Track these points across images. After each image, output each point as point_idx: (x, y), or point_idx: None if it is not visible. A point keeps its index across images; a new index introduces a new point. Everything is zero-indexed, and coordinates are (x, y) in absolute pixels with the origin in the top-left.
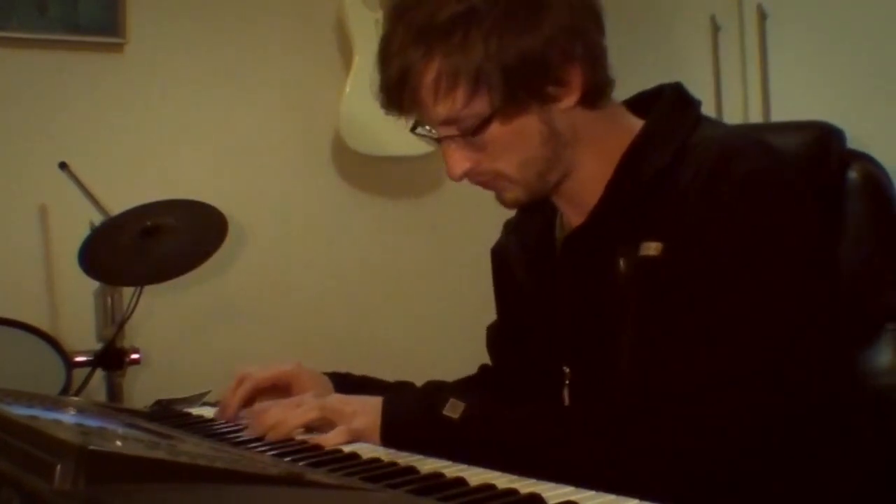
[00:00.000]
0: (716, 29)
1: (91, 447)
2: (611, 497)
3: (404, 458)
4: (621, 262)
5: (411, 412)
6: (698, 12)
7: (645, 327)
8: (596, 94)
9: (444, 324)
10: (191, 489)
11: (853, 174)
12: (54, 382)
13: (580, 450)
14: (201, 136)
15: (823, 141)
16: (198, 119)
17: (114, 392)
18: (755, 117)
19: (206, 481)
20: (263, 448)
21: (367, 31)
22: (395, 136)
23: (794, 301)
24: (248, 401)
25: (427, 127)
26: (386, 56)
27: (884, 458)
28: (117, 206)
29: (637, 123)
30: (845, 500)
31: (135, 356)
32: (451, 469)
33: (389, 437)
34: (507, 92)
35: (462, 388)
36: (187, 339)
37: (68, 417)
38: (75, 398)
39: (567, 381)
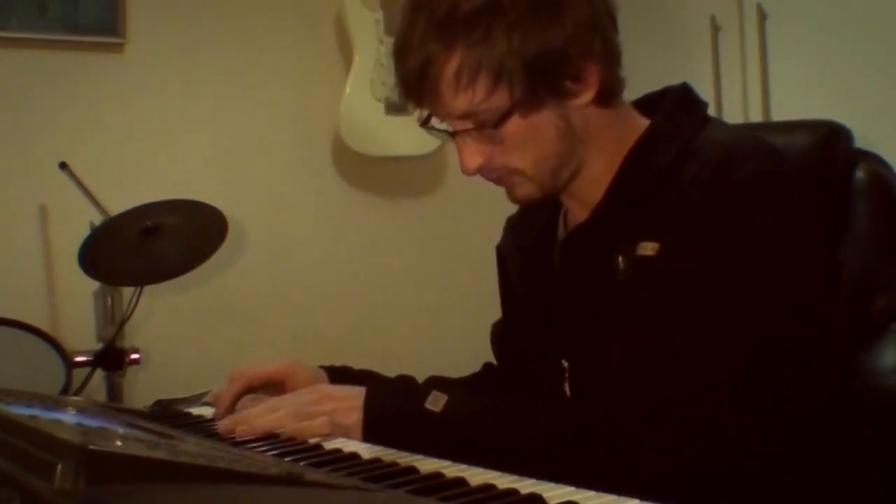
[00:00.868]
0: (716, 29)
1: (92, 447)
2: (611, 497)
3: (405, 459)
4: (620, 261)
5: (393, 407)
6: (698, 12)
7: (637, 327)
8: (610, 92)
9: (443, 324)
10: (191, 489)
11: (860, 173)
12: (54, 382)
13: (565, 445)
14: (201, 136)
15: (831, 140)
16: (198, 119)
17: (114, 392)
18: (755, 117)
19: (206, 481)
20: (264, 448)
21: (367, 31)
22: (395, 136)
23: (789, 302)
24: (241, 397)
25: (440, 121)
26: (405, 47)
27: (885, 459)
28: (117, 206)
29: (644, 123)
30: (846, 500)
31: (135, 356)
32: (451, 469)
33: (371, 432)
34: (527, 86)
35: (467, 385)
36: (187, 339)
37: (69, 417)
38: (75, 398)
39: (567, 375)
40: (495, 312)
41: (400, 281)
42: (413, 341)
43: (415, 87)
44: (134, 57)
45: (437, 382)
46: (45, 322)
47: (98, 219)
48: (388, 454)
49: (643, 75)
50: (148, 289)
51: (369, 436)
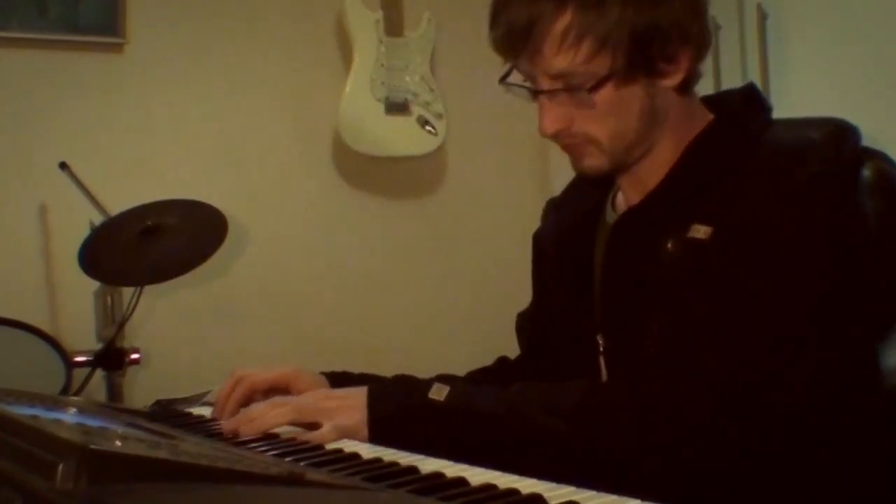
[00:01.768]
0: (716, 29)
1: (93, 447)
2: (612, 497)
3: (405, 458)
4: (669, 243)
5: (396, 402)
6: None
7: (682, 305)
8: (693, 79)
9: (443, 324)
10: (192, 489)
11: (866, 171)
12: (54, 382)
13: (571, 434)
14: (201, 136)
15: (838, 137)
16: (198, 119)
17: (114, 392)
18: None
19: (207, 481)
20: (264, 448)
21: (367, 31)
22: (395, 136)
23: (833, 301)
24: (245, 402)
25: (523, 79)
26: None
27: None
28: (117, 206)
29: (709, 117)
30: (860, 499)
31: (135, 356)
32: (451, 469)
33: (376, 429)
34: (628, 58)
35: (478, 377)
36: (187, 339)
37: (69, 417)
38: (76, 398)
39: (602, 350)
40: (495, 312)
41: (400, 281)
42: (413, 341)
43: (517, 38)
44: (134, 57)
45: (441, 379)
46: (45, 322)
47: (98, 219)
48: (388, 454)
49: None
50: (148, 289)
51: (375, 433)
